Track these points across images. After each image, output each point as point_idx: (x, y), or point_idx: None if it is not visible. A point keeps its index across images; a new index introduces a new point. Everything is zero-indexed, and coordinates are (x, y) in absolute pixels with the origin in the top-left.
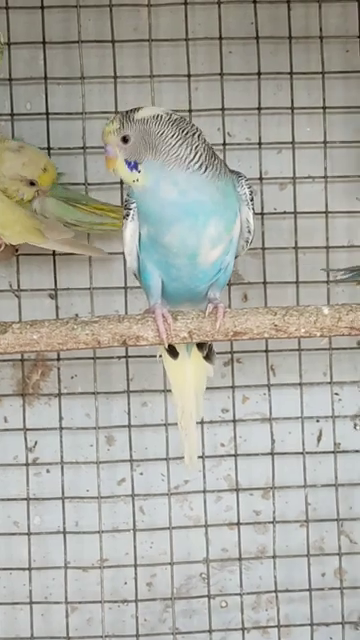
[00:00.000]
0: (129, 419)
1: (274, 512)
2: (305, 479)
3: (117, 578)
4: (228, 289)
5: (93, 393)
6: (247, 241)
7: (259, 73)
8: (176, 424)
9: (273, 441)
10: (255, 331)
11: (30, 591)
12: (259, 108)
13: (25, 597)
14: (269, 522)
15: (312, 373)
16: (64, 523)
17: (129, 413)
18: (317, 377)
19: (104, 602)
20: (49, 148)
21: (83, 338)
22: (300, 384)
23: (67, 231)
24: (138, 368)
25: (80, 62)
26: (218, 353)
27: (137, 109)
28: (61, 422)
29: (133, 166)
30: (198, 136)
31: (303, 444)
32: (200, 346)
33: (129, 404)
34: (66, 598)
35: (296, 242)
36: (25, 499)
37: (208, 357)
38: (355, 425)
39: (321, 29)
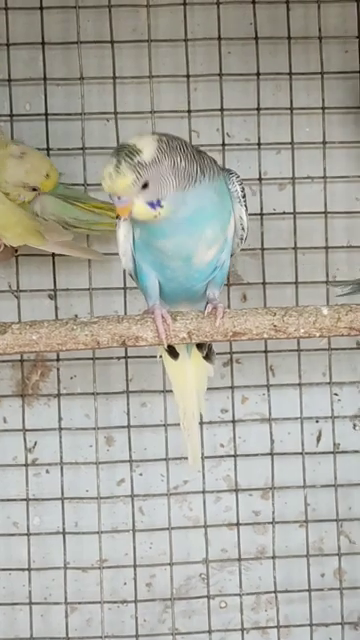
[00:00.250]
0: (128, 419)
1: (273, 512)
2: (304, 479)
3: (116, 578)
4: (227, 289)
5: (92, 394)
6: (241, 238)
7: (258, 73)
8: (176, 424)
9: (272, 441)
10: (254, 331)
11: (30, 592)
12: (258, 109)
13: (25, 598)
14: (268, 522)
15: (311, 373)
16: (63, 524)
17: (128, 413)
18: (316, 377)
19: (103, 603)
20: (48, 149)
21: (82, 339)
22: (299, 384)
23: (67, 233)
24: (137, 369)
25: (79, 63)
26: (217, 354)
27: (137, 151)
28: (60, 423)
29: (156, 204)
30: (186, 144)
31: (302, 444)
32: (200, 346)
33: (128, 404)
34: (66, 599)
35: (295, 242)
36: (24, 500)
37: (208, 357)
38: (354, 425)
39: (320, 29)
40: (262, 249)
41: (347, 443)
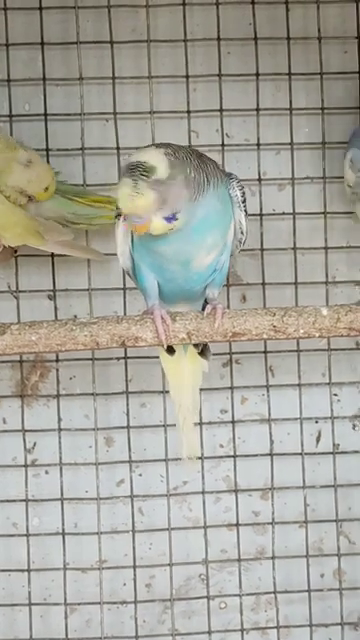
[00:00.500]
0: (128, 420)
1: (273, 513)
2: (304, 480)
3: (116, 579)
4: (227, 290)
5: (92, 394)
6: (240, 241)
7: (257, 74)
8: (175, 425)
9: (272, 442)
10: (254, 332)
11: (29, 592)
12: (257, 109)
13: (24, 598)
14: (268, 523)
15: (311, 374)
16: (63, 524)
17: (128, 414)
18: (316, 378)
19: (103, 603)
20: (47, 149)
21: (82, 339)
22: (299, 385)
23: (66, 232)
24: (137, 369)
25: (79, 63)
26: (217, 354)
27: (151, 168)
28: (60, 423)
29: (171, 218)
30: (190, 152)
31: (302, 445)
32: (196, 343)
33: (128, 405)
34: (65, 599)
35: (295, 243)
36: (24, 500)
37: (203, 353)
38: (354, 426)
39: (319, 30)
40: (261, 249)
41: (347, 443)
